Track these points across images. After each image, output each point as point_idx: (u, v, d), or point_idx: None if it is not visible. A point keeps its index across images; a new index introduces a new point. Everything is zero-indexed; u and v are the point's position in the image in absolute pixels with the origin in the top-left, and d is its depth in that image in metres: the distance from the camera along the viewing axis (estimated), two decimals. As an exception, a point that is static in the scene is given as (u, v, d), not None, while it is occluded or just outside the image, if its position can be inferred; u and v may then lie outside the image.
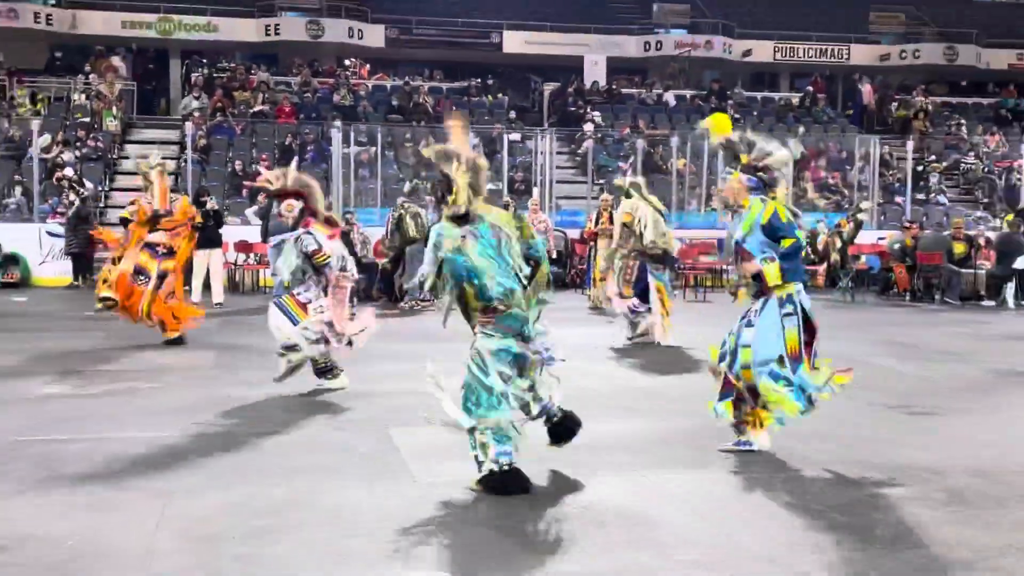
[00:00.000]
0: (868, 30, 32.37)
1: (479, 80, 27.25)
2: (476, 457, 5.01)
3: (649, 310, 10.71)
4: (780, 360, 5.63)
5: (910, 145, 23.10)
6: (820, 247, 18.93)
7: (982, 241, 17.71)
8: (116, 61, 24.51)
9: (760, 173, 5.95)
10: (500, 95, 26.90)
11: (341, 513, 4.78)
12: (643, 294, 10.72)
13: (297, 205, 7.83)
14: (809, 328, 5.80)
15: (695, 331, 11.27)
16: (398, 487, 5.20)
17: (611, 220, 15.17)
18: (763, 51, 31.07)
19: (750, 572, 4.02)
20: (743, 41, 30.82)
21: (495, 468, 4.95)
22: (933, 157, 25.35)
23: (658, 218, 10.87)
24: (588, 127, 24.13)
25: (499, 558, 4.20)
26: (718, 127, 6.14)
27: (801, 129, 25.45)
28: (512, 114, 25.53)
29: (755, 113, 27.26)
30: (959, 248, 16.87)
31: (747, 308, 5.86)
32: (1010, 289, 16.15)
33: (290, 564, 4.13)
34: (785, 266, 5.69)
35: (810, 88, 28.94)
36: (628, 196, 11.10)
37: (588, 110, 25.41)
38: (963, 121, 27.60)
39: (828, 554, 4.19)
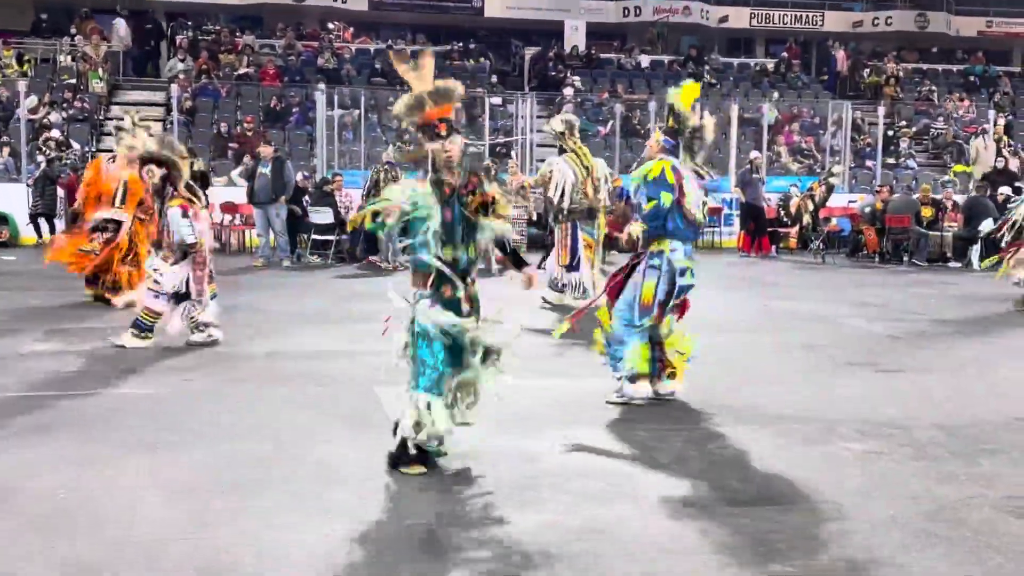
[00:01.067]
0: (842, -4, 32.85)
1: (461, 44, 27.50)
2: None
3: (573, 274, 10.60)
4: (627, 313, 6.28)
5: (881, 110, 23.70)
6: (792, 210, 19.56)
7: (949, 204, 18.37)
8: (120, 24, 24.59)
9: (681, 137, 6.29)
10: (482, 59, 27.18)
11: (326, 467, 4.88)
12: (574, 260, 10.56)
13: (158, 172, 7.94)
14: (673, 289, 6.24)
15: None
16: (382, 442, 5.11)
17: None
18: (739, 17, 31.46)
19: (721, 523, 4.16)
20: (720, 8, 31.18)
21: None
22: (903, 122, 25.96)
23: (579, 178, 10.45)
24: (568, 92, 24.53)
25: (482, 509, 4.34)
26: (686, 96, 6.40)
27: (776, 94, 25.99)
28: (493, 78, 25.87)
29: (731, 78, 27.76)
30: (927, 211, 17.52)
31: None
32: (975, 251, 16.82)
33: (276, 516, 4.21)
34: (648, 226, 6.12)
35: (785, 54, 29.41)
36: (561, 151, 10.72)
37: (568, 75, 25.79)
38: (933, 87, 28.22)
39: (799, 507, 4.41)
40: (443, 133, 4.78)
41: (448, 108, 4.83)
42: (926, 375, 7.54)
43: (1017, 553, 3.92)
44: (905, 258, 17.20)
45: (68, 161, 18.99)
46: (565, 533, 4.09)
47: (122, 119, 10.51)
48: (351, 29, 28.08)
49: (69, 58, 22.79)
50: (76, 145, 19.96)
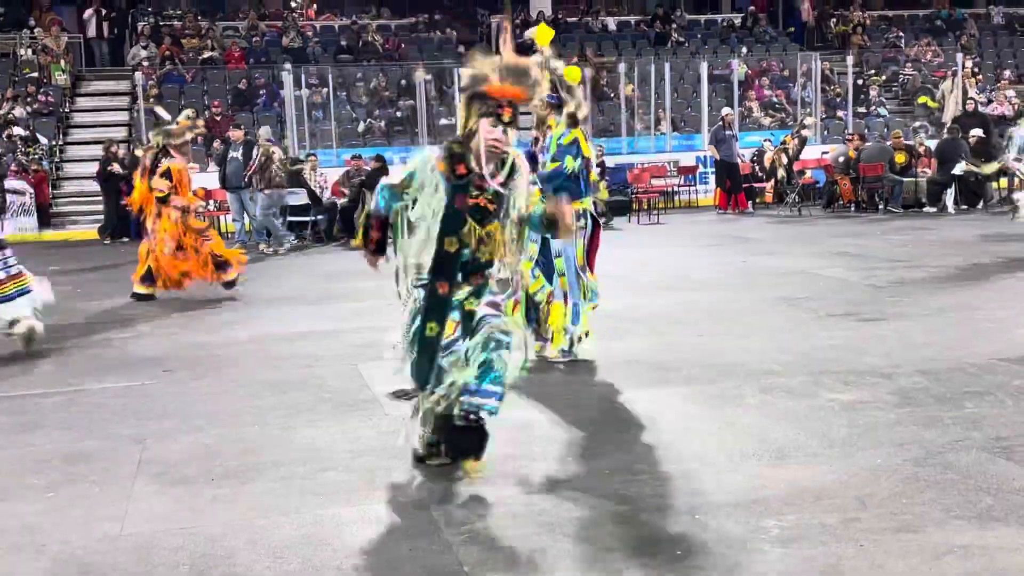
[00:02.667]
0: (806, -54, 32.69)
1: (427, 16, 27.28)
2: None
3: None
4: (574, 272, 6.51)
5: (850, 60, 23.69)
6: (767, 164, 19.59)
7: (922, 150, 18.45)
8: (88, 14, 24.27)
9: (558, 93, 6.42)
10: (448, 30, 26.99)
11: (316, 448, 4.89)
12: None
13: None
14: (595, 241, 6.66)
15: (649, 253, 11.86)
16: (371, 420, 5.27)
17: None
18: (704, -28, 31.29)
19: (715, 484, 4.18)
20: (684, -36, 30.98)
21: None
22: (872, 71, 25.95)
23: None
24: (535, 58, 24.36)
25: (470, 484, 4.31)
26: (542, 37, 6.58)
27: (744, 49, 25.92)
28: (460, 48, 25.67)
29: (699, 36, 27.67)
30: (900, 158, 17.58)
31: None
32: (950, 195, 16.92)
33: (268, 501, 4.21)
34: (543, 187, 6.06)
35: (752, 8, 29.32)
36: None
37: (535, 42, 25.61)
38: (900, 33, 28.22)
39: (789, 460, 4.45)
40: (505, 118, 4.14)
41: (519, 92, 4.18)
42: (907, 322, 7.60)
43: (1006, 493, 3.97)
44: (880, 206, 17.28)
45: (35, 156, 18.79)
46: (560, 500, 4.10)
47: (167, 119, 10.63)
48: (314, 6, 27.76)
49: (30, 51, 22.45)
50: (43, 140, 19.72)
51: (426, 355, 4.31)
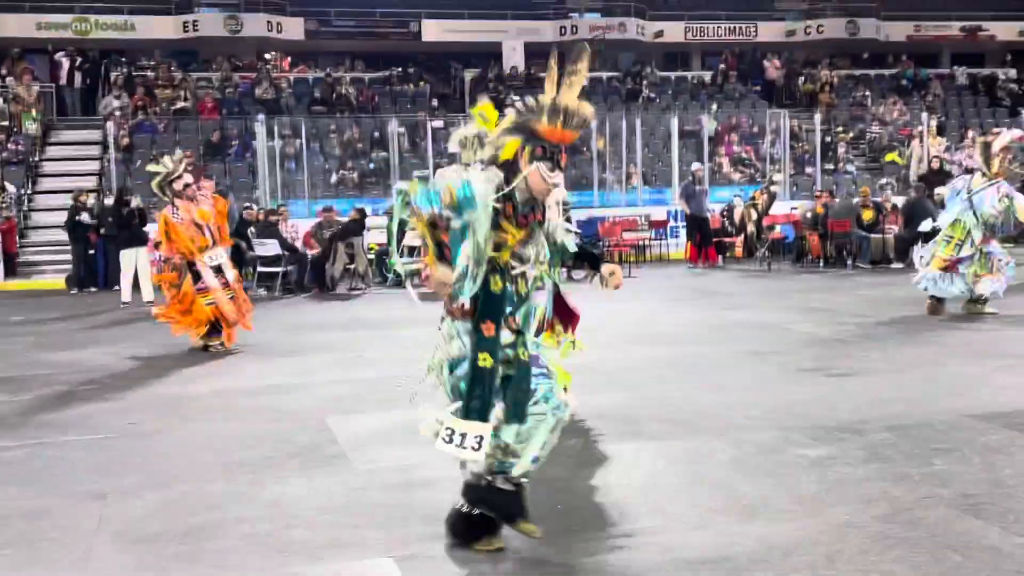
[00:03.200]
0: (774, 8, 33.45)
1: (400, 69, 27.56)
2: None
3: None
4: None
5: (817, 117, 24.13)
6: (737, 219, 19.80)
7: (889, 207, 18.70)
8: (61, 58, 24.35)
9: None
10: (421, 83, 27.24)
11: (281, 505, 4.81)
12: None
13: None
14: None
15: (620, 306, 11.82)
16: (338, 476, 5.24)
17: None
18: (675, 32, 31.87)
19: (683, 541, 4.14)
20: (655, 22, 31.57)
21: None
22: (840, 128, 26.43)
23: None
24: (509, 111, 24.61)
25: (436, 539, 4.24)
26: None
27: (715, 106, 26.35)
28: (434, 102, 25.91)
29: (669, 92, 28.09)
30: (867, 214, 17.80)
31: None
32: (917, 251, 17.09)
33: (232, 559, 4.13)
34: None
35: (721, 66, 29.83)
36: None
37: (509, 95, 25.89)
38: (867, 92, 28.79)
39: (759, 517, 4.41)
40: (561, 163, 3.99)
41: (575, 136, 4.02)
42: (875, 377, 7.63)
43: (974, 551, 3.96)
44: (849, 261, 17.46)
45: (4, 204, 18.66)
46: (530, 557, 4.04)
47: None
48: (288, 58, 28.02)
49: (1, 100, 22.41)
50: (11, 188, 19.61)
51: (482, 387, 3.99)
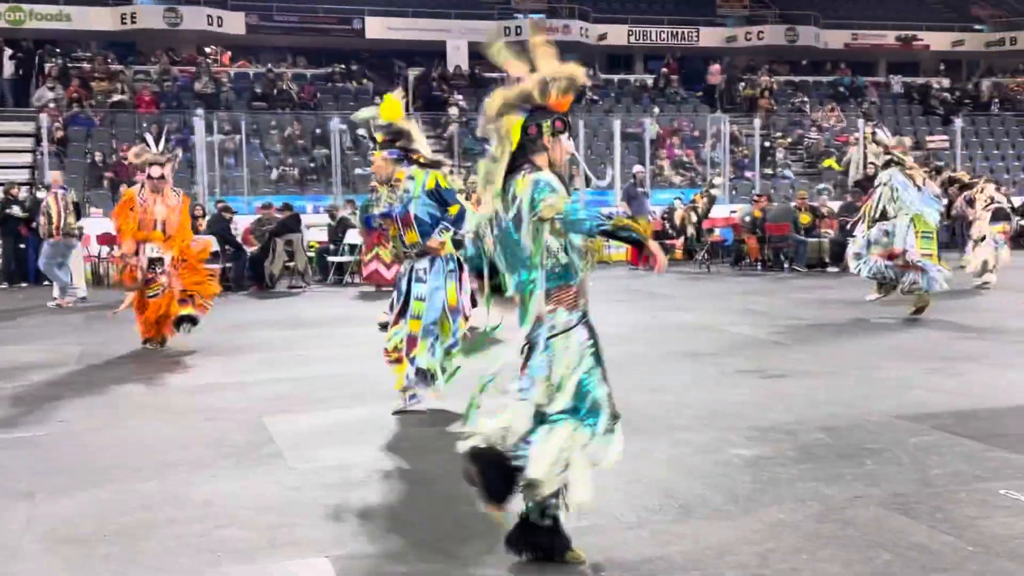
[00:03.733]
0: (716, 13, 33.85)
1: (343, 66, 27.34)
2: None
3: None
4: (436, 323, 6.45)
5: (757, 122, 24.46)
6: (677, 222, 19.98)
7: (825, 211, 19.01)
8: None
9: (398, 144, 6.54)
10: (364, 81, 27.07)
11: (215, 505, 4.76)
12: None
13: None
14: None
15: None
16: (274, 475, 5.20)
17: (479, 203, 15.77)
18: (618, 35, 32.09)
19: (620, 540, 4.16)
20: (599, 25, 31.75)
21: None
22: (779, 133, 26.83)
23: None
24: (453, 111, 24.59)
25: (377, 539, 4.25)
26: (390, 112, 6.63)
27: (656, 109, 26.57)
28: (377, 99, 25.73)
29: (612, 95, 28.27)
30: (804, 218, 18.08)
31: (411, 266, 6.55)
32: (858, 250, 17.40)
33: (163, 560, 4.07)
34: (456, 230, 6.38)
35: (664, 69, 30.09)
36: None
37: (452, 94, 25.86)
38: (805, 98, 29.27)
39: (695, 515, 4.46)
40: (562, 130, 3.94)
41: (569, 102, 3.95)
42: (809, 379, 7.75)
43: (903, 549, 4.04)
44: (785, 265, 17.71)
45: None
46: (467, 555, 4.04)
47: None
48: (229, 53, 27.64)
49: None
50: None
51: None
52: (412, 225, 6.49)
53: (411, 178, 6.53)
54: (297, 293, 15.44)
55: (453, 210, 6.48)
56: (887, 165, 11.17)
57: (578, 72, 3.92)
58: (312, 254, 17.20)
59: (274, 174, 21.76)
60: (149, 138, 9.93)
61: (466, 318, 6.84)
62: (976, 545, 4.05)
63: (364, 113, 6.95)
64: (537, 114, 3.90)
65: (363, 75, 27.47)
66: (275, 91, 24.62)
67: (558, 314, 3.89)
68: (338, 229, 17.10)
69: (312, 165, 22.24)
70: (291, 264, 16.33)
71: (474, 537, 4.27)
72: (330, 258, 16.95)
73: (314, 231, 17.78)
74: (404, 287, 6.58)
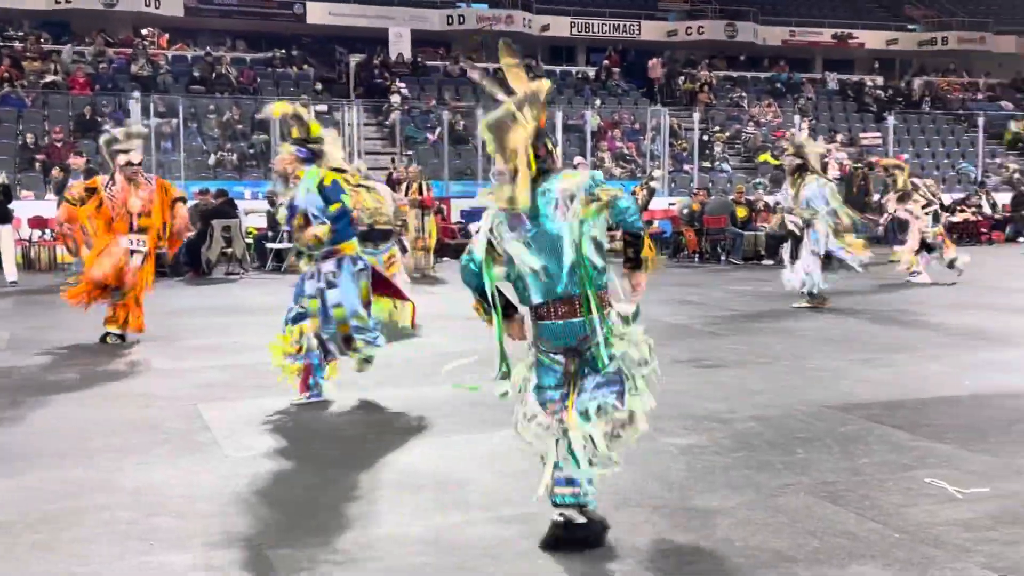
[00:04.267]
0: (657, 7, 34.12)
1: (283, 51, 27.02)
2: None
3: None
4: (358, 315, 6.57)
5: (696, 116, 24.74)
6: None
7: (761, 205, 19.30)
8: None
9: (310, 145, 6.61)
10: (305, 66, 26.79)
11: (146, 492, 4.69)
12: None
13: None
14: (377, 277, 6.91)
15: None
16: (208, 463, 5.15)
17: (419, 191, 15.73)
18: (560, 26, 32.19)
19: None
20: (542, 16, 31.81)
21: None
22: (717, 128, 27.15)
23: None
24: (395, 99, 24.46)
25: (313, 529, 4.23)
26: (279, 108, 6.88)
27: (598, 101, 26.72)
28: (318, 86, 25.50)
29: (554, 86, 28.31)
30: (741, 212, 18.35)
31: (314, 270, 6.56)
32: (786, 249, 17.69)
33: (91, 547, 4.00)
34: (336, 227, 6.46)
35: (605, 62, 30.25)
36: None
37: (394, 82, 25.71)
38: (743, 94, 29.65)
39: (630, 503, 4.48)
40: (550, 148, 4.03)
41: (544, 119, 4.04)
42: (744, 369, 7.87)
43: (831, 535, 4.13)
44: (722, 257, 17.95)
45: None
46: (406, 545, 4.04)
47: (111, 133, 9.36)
48: (166, 35, 27.11)
49: None
50: None
51: None
52: (310, 222, 6.50)
53: (306, 175, 6.54)
54: (234, 280, 15.27)
55: (333, 207, 6.47)
56: (801, 170, 11.38)
57: (539, 86, 3.98)
58: (250, 240, 17.00)
59: (212, 159, 21.44)
60: (117, 131, 9.47)
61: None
62: (902, 532, 4.16)
63: (281, 108, 6.86)
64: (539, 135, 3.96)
65: (304, 61, 27.18)
66: (214, 75, 24.25)
67: (611, 315, 4.02)
68: (277, 215, 16.90)
69: (251, 151, 21.96)
70: (228, 250, 16.13)
71: (398, 519, 4.28)
72: (268, 244, 16.77)
73: (253, 217, 17.57)
74: (306, 288, 6.53)
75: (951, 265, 13.90)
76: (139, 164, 9.18)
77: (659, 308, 11.43)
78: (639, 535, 4.15)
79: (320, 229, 6.44)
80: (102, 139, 9.49)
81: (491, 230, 3.99)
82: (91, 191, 9.11)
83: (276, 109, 6.94)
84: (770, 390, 7.02)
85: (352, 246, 6.64)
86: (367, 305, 6.66)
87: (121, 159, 8.97)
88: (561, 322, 3.95)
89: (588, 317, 3.91)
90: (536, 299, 3.98)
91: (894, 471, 5.04)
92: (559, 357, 3.99)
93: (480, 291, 4.07)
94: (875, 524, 4.27)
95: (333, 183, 6.54)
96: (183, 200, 9.39)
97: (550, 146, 4.04)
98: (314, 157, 6.57)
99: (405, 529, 4.24)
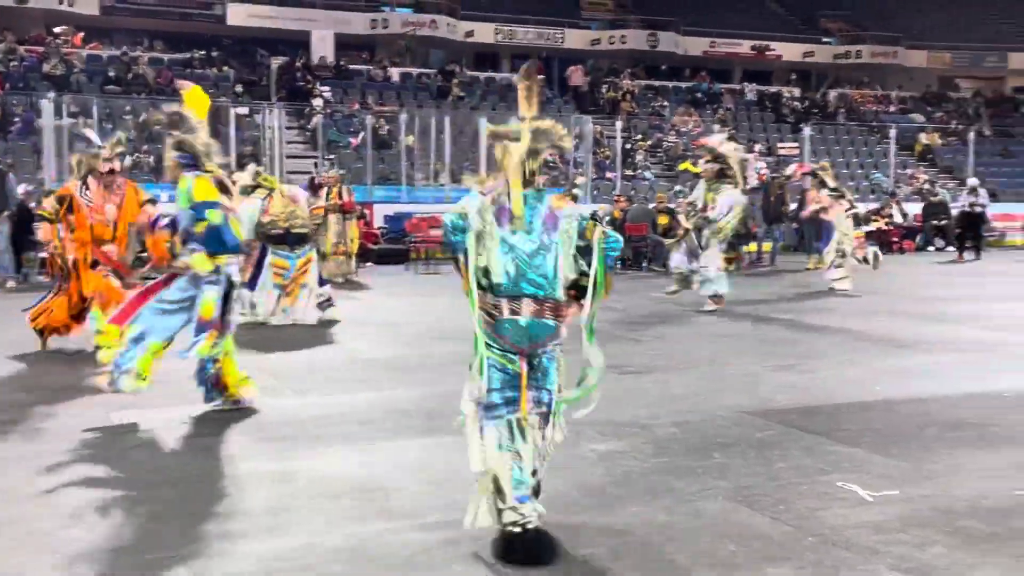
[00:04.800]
0: (580, 16, 34.41)
1: (203, 52, 26.57)
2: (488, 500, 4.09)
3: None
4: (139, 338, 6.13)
5: (619, 125, 24.99)
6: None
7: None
8: None
9: (187, 150, 6.18)
10: (225, 68, 26.38)
11: (55, 502, 4.62)
12: (253, 280, 10.31)
13: None
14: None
15: (425, 303, 11.89)
16: (113, 472, 5.10)
17: (340, 196, 15.61)
18: (485, 33, 32.25)
19: (475, 533, 4.11)
20: (466, 23, 31.83)
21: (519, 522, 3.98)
22: (639, 136, 27.47)
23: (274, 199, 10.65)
24: (317, 102, 24.21)
25: (225, 537, 4.16)
26: (197, 103, 6.38)
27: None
28: (239, 88, 25.14)
29: (479, 93, 28.37)
30: (663, 220, 18.59)
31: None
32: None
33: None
34: (209, 250, 6.12)
35: (529, 69, 30.35)
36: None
37: (317, 85, 25.47)
38: (665, 103, 30.05)
39: (550, 509, 4.37)
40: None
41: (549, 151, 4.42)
42: (666, 374, 7.95)
43: (747, 539, 4.20)
44: (644, 264, 18.15)
45: None
46: (322, 554, 3.99)
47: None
48: (81, 34, 26.44)
49: None
50: None
51: None
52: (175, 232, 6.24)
53: (183, 187, 6.14)
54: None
55: (199, 227, 6.09)
56: (723, 176, 11.64)
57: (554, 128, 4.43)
58: (168, 244, 16.63)
59: (128, 161, 20.92)
60: (90, 133, 9.07)
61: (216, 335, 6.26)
62: (815, 535, 4.25)
63: (167, 109, 6.41)
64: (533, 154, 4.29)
65: (224, 62, 26.76)
66: (130, 75, 23.73)
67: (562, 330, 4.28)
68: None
69: (169, 153, 21.50)
70: (144, 255, 15.75)
71: (315, 528, 4.22)
72: (186, 249, 16.40)
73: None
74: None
75: (866, 260, 14.23)
76: (118, 172, 8.76)
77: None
78: (559, 540, 4.15)
79: (193, 259, 6.10)
80: (74, 159, 9.06)
81: (479, 213, 4.06)
82: (62, 199, 8.74)
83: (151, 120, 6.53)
84: (691, 396, 7.10)
85: (217, 259, 6.16)
86: (204, 324, 6.12)
87: (102, 166, 8.57)
88: (529, 320, 4.07)
89: (556, 322, 4.18)
90: (505, 293, 4.04)
91: (809, 475, 5.14)
92: (514, 356, 4.06)
93: (463, 252, 4.07)
94: (789, 528, 4.35)
95: (195, 195, 6.08)
96: (152, 202, 9.10)
97: (536, 167, 4.29)
98: (196, 162, 6.14)
99: (322, 538, 4.18)
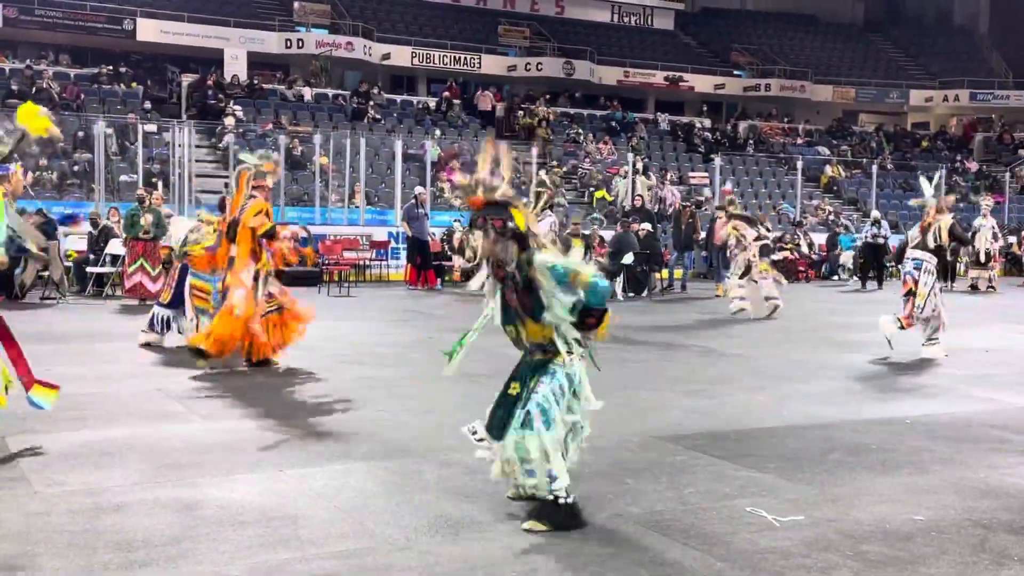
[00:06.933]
0: (497, 42, 34.67)
1: (111, 67, 26.00)
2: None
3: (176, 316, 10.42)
4: None
5: (534, 151, 25.18)
6: (456, 244, 20.21)
7: (597, 240, 19.77)
8: None
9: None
10: (134, 84, 25.85)
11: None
12: (177, 299, 10.33)
13: None
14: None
15: (337, 326, 11.76)
16: (16, 500, 4.90)
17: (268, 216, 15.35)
18: (402, 56, 32.25)
19: (388, 562, 4.10)
20: (383, 45, 31.80)
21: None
22: (555, 162, 27.71)
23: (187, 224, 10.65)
24: (229, 121, 23.87)
25: (125, 568, 4.05)
26: (32, 120, 6.22)
27: (438, 132, 26.83)
28: (148, 104, 24.65)
29: (395, 115, 28.32)
30: (577, 244, 18.72)
31: None
32: (619, 283, 18.21)
33: None
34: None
35: (446, 93, 30.46)
36: None
37: (229, 104, 25.11)
38: (580, 130, 30.41)
39: (464, 535, 4.48)
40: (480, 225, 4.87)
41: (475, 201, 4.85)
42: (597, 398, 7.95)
43: (658, 565, 4.22)
44: (557, 290, 18.22)
45: None
46: (223, 586, 3.88)
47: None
48: (-18, 46, 25.68)
49: None
50: None
51: None
52: None
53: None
54: (51, 305, 14.49)
55: None
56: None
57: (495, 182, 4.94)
58: (70, 264, 16.18)
59: (29, 177, 20.29)
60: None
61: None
62: (724, 560, 4.29)
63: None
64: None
65: (133, 78, 26.23)
66: (34, 89, 23.06)
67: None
68: (99, 238, 16.19)
69: (75, 169, 20.96)
70: (45, 273, 15.29)
71: (220, 556, 4.11)
72: (89, 268, 16.00)
73: (73, 239, 16.73)
74: None
75: (767, 299, 14.58)
76: None
77: (495, 339, 11.48)
78: (472, 566, 4.11)
79: None
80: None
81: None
82: None
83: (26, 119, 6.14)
84: (602, 421, 7.07)
85: None
86: None
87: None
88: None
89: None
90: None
91: (718, 500, 5.20)
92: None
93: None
94: (698, 552, 4.38)
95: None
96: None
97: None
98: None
99: (225, 568, 4.06)
